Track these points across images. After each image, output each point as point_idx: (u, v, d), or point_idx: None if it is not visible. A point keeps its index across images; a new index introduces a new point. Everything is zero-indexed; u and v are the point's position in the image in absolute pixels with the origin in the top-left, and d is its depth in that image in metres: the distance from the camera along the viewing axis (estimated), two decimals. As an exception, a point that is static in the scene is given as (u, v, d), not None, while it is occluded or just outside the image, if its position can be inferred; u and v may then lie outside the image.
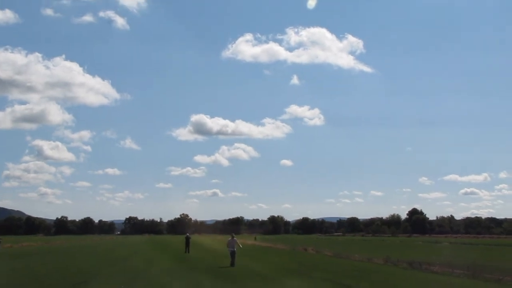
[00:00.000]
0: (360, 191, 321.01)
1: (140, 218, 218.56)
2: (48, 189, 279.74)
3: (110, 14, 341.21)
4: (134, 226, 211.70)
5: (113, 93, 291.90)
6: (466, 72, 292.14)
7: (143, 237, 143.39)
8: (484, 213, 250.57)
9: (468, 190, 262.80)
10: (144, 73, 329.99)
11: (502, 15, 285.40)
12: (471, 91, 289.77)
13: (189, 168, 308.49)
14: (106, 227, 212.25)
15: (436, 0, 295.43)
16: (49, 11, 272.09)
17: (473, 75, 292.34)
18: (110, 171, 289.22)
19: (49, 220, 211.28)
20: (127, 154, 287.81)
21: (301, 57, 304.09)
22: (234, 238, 28.95)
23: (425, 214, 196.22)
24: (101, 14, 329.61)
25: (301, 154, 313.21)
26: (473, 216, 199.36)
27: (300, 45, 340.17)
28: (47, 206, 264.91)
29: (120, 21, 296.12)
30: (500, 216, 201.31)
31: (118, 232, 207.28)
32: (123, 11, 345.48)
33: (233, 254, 27.79)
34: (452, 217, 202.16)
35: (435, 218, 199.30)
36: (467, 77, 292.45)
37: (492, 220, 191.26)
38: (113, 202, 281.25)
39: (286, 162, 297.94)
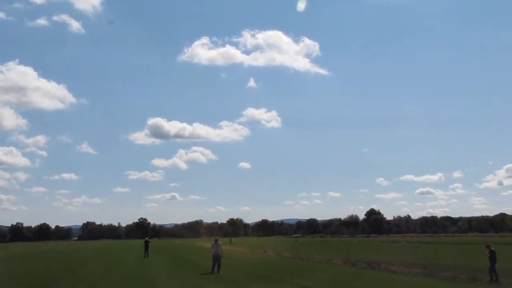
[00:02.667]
0: (318, 193, 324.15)
1: (98, 223, 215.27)
2: (3, 195, 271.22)
3: (65, 17, 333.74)
4: (91, 231, 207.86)
5: (69, 98, 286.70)
6: (420, 74, 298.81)
7: (101, 242, 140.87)
8: (439, 212, 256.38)
9: (424, 190, 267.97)
10: (100, 77, 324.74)
11: (455, 16, 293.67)
12: (425, 92, 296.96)
13: (147, 172, 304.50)
14: (63, 233, 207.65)
15: (390, 2, 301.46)
16: (1, 14, 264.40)
17: (427, 77, 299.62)
18: (66, 176, 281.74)
19: (4, 227, 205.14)
20: (84, 159, 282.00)
21: (257, 60, 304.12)
22: (219, 242, 26.41)
23: (383, 214, 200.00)
24: (55, 18, 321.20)
25: (259, 157, 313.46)
26: (429, 216, 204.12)
27: (256, 48, 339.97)
28: (1, 213, 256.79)
29: (75, 25, 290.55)
30: (455, 214, 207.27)
31: (75, 238, 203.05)
32: (78, 15, 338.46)
33: (218, 258, 25.46)
34: (408, 216, 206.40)
35: (392, 218, 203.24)
36: (421, 78, 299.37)
37: (447, 219, 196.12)
38: (70, 207, 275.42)
39: (245, 165, 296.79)
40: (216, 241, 26.54)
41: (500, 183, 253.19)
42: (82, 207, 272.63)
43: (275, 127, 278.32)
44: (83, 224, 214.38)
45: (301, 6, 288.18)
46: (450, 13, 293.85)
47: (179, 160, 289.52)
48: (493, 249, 22.43)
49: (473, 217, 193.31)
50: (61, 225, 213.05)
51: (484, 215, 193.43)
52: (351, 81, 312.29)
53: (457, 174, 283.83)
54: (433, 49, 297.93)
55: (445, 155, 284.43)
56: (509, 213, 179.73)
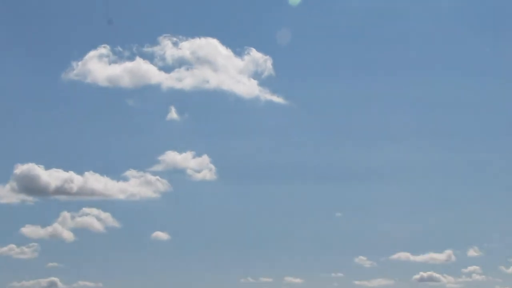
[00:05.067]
0: (270, 277, 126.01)
1: None
2: None
3: None
4: None
5: None
6: (417, 99, 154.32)
7: None
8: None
9: (425, 274, 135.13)
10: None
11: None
12: (425, 128, 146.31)
13: (12, 246, 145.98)
14: None
15: (374, 6, 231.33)
16: None
17: (428, 102, 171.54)
18: None
19: None
20: None
21: (182, 80, 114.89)
22: None
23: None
24: None
25: (182, 224, 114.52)
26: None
27: (180, 62, 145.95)
28: None
29: None
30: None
31: None
32: None
33: None
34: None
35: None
36: (419, 105, 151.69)
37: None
38: None
39: (161, 235, 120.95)
40: None
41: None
42: None
43: (206, 180, 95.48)
44: None
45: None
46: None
47: (62, 227, 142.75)
48: None
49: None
50: None
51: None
52: (317, 113, 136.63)
53: (473, 252, 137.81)
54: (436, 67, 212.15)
55: (456, 223, 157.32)
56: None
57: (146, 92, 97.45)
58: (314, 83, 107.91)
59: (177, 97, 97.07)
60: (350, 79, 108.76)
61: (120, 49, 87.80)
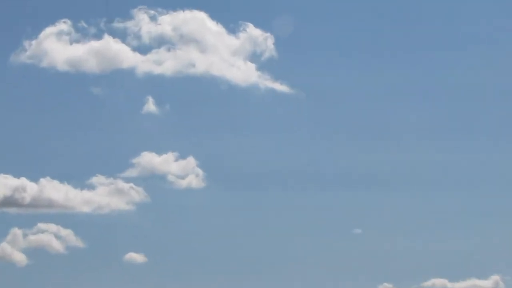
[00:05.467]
0: None
1: None
2: None
3: None
4: None
5: None
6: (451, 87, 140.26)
7: None
8: None
9: None
10: None
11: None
12: (464, 125, 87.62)
13: None
14: None
15: None
16: None
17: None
18: None
19: None
20: None
21: (162, 64, 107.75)
22: None
23: None
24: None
25: (162, 243, 64.19)
26: None
27: (159, 42, 79.84)
28: None
29: None
30: None
31: None
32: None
33: None
34: None
35: None
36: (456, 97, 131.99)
37: None
38: None
39: (135, 257, 75.72)
40: None
41: None
42: None
43: (192, 188, 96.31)
44: None
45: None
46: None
47: (12, 248, 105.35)
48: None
49: None
50: None
51: None
52: (330, 105, 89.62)
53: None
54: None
55: (505, 241, 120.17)
56: None
57: (117, 78, 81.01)
58: (327, 67, 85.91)
59: (156, 84, 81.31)
60: (372, 61, 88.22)
61: (84, 24, 73.46)
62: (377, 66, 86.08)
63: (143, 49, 72.64)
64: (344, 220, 73.58)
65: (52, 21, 73.69)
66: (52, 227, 69.17)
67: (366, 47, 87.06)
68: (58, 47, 74.53)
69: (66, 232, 69.15)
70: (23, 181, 69.27)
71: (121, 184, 71.97)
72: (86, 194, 71.36)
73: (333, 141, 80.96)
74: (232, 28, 73.60)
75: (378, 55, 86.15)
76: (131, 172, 69.38)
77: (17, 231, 68.37)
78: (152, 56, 73.94)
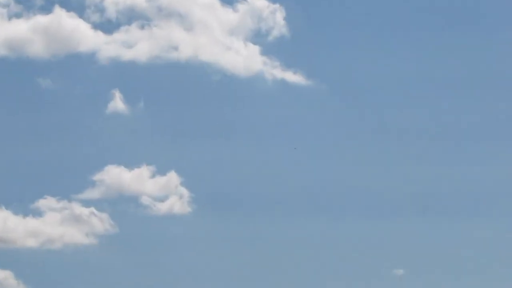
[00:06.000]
0: None
1: None
2: None
3: None
4: None
5: None
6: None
7: None
8: None
9: None
10: None
11: None
12: None
13: None
14: None
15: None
16: None
17: None
18: None
19: None
20: None
21: (133, 47, 77.16)
22: None
23: None
24: None
25: (134, 286, 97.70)
26: None
27: (129, 17, 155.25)
28: None
29: None
30: None
31: None
32: None
33: None
34: None
35: None
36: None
37: None
38: None
39: None
40: None
41: None
42: None
43: (174, 214, 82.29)
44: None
45: None
46: None
47: None
48: None
49: None
50: None
51: None
52: (360, 102, 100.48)
53: None
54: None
55: None
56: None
57: (72, 66, 67.30)
58: (355, 51, 66.34)
59: (125, 74, 67.25)
60: (416, 44, 68.38)
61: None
62: (423, 50, 66.43)
63: (107, 27, 60.68)
64: (382, 257, 57.26)
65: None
66: (-11, 265, 58.87)
67: (408, 24, 67.41)
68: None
69: (4, 274, 55.07)
70: None
71: (78, 208, 58.80)
72: (31, 222, 59.00)
73: (364, 151, 61.95)
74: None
75: (422, 34, 65.57)
76: (92, 193, 57.46)
77: None
78: (119, 36, 61.75)
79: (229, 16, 59.89)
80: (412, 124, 61.53)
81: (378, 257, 53.78)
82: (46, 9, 58.11)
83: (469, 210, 56.11)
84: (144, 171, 57.48)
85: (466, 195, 56.68)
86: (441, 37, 67.52)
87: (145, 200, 56.52)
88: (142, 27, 59.03)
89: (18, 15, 58.70)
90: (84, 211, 54.86)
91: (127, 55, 59.37)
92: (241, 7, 59.39)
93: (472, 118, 60.69)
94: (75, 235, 55.88)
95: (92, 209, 54.15)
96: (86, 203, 55.51)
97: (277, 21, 59.20)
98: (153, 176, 57.04)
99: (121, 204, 57.51)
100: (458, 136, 59.76)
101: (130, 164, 56.21)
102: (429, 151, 58.84)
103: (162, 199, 56.98)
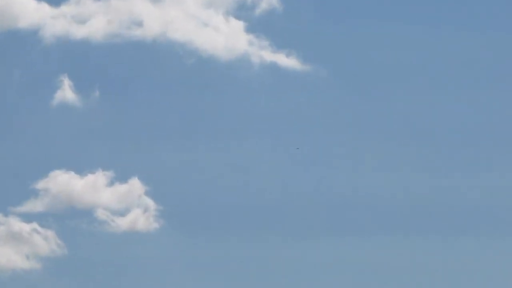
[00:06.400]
0: None
1: None
2: None
3: None
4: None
5: None
6: None
7: None
8: None
9: None
10: None
11: None
12: None
13: None
14: None
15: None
16: None
17: None
18: None
19: None
20: None
21: (86, 22, 62.65)
22: None
23: None
24: None
25: None
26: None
27: None
28: None
29: None
30: None
31: None
32: None
33: None
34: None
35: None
36: None
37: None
38: None
39: None
40: None
41: None
42: None
43: (138, 231, 67.00)
44: None
45: None
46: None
47: None
48: None
49: None
50: None
51: None
52: (369, 91, 55.48)
53: None
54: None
55: None
56: None
57: (10, 46, 56.93)
58: (362, 29, 54.44)
59: (76, 56, 56.92)
60: (436, 25, 53.34)
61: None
62: (443, 32, 52.44)
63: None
64: (397, 282, 43.09)
65: None
66: None
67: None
68: None
69: None
70: None
71: (17, 224, 49.79)
72: (-41, 243, 56.35)
73: (371, 153, 50.00)
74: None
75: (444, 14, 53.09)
76: (34, 205, 48.17)
77: None
78: (68, 8, 52.34)
79: (206, -17, 49.87)
80: (431, 122, 49.95)
81: (390, 281, 42.56)
82: (-24, -26, 48.72)
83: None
84: (99, 177, 47.08)
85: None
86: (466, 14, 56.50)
87: (100, 213, 46.49)
88: (97, -2, 48.86)
89: None
90: (24, 227, 44.80)
91: (79, 32, 49.12)
92: (221, -28, 49.96)
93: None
94: (12, 258, 45.43)
95: (35, 224, 44.60)
96: (27, 218, 45.56)
97: (266, -7, 49.19)
98: (111, 184, 47.60)
99: (70, 219, 46.19)
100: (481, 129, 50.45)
101: (82, 169, 45.83)
102: (453, 156, 45.86)
103: (122, 213, 47.17)
